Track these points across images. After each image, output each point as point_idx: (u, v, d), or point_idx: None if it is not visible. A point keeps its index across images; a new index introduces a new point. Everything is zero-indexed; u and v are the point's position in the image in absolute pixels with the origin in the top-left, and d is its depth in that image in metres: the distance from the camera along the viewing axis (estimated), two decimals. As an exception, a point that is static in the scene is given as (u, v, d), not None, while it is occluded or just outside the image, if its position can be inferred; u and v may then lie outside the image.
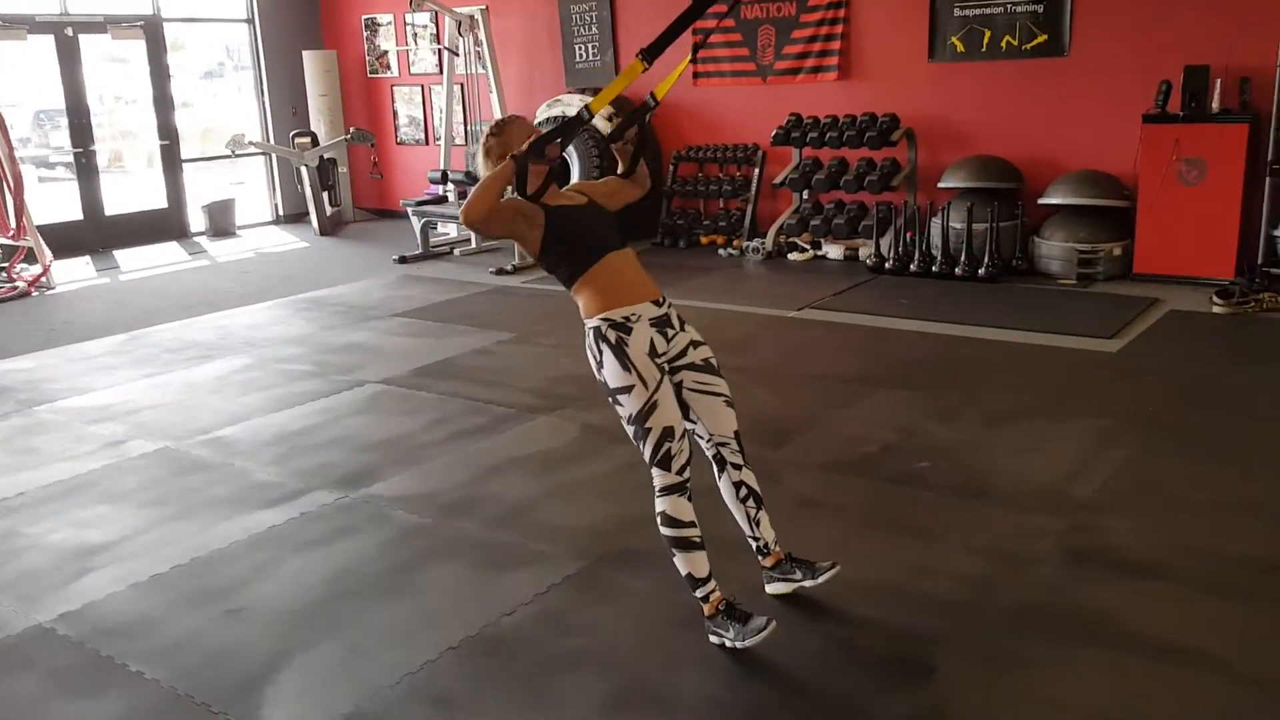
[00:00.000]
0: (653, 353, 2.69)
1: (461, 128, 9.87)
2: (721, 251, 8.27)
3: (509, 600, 3.01)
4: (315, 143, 10.27)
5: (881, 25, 7.88)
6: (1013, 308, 6.26)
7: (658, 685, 2.62)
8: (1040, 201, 7.11)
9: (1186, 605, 2.88)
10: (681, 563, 2.72)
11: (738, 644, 2.67)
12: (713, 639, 2.74)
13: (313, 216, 10.21)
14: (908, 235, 7.39)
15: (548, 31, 9.55)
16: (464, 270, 8.12)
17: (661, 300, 2.79)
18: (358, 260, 8.78)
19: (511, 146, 2.73)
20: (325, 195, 10.25)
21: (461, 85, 9.62)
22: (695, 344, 2.81)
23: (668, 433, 2.66)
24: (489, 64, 9.05)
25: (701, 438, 2.84)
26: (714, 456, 2.84)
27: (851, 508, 3.61)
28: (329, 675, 2.70)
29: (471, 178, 9.09)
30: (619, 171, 2.97)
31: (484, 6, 8.96)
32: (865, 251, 7.57)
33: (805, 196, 8.18)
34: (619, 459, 4.01)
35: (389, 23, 10.67)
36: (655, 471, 2.68)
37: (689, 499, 2.69)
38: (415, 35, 10.51)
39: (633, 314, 2.70)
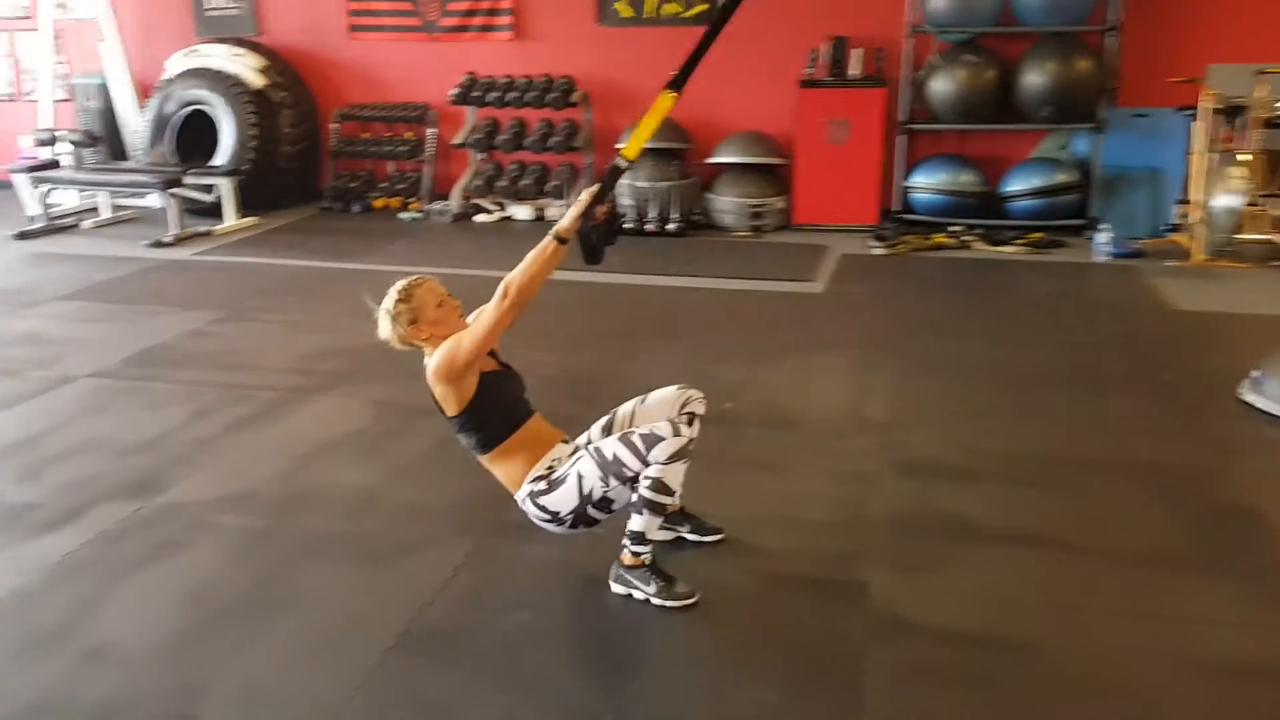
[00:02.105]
0: None
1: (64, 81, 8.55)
2: (403, 215, 7.95)
3: (419, 590, 2.78)
4: None
5: (552, -16, 7.94)
6: (710, 257, 6.69)
7: (623, 644, 2.60)
8: (709, 160, 7.63)
9: (1014, 498, 3.32)
10: (644, 523, 2.65)
11: (657, 600, 2.68)
12: (619, 589, 2.73)
13: None
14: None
15: (169, -27, 8.51)
16: (108, 244, 7.09)
17: (568, 439, 2.89)
18: (-45, 240, 7.34)
19: (423, 311, 2.68)
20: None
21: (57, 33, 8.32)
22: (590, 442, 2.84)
23: (625, 436, 2.63)
24: (104, 7, 7.89)
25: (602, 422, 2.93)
26: (685, 421, 2.82)
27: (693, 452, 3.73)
28: (270, 703, 2.33)
29: (91, 136, 7.94)
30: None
31: (89, -58, 7.81)
32: (553, 212, 7.67)
33: (484, 157, 8.09)
34: (437, 432, 3.75)
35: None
36: (654, 453, 2.56)
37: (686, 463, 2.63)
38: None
39: (551, 459, 2.78)
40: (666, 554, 2.88)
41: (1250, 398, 3.98)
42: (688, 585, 2.71)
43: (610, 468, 2.62)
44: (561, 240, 2.60)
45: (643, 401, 2.89)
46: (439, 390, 2.70)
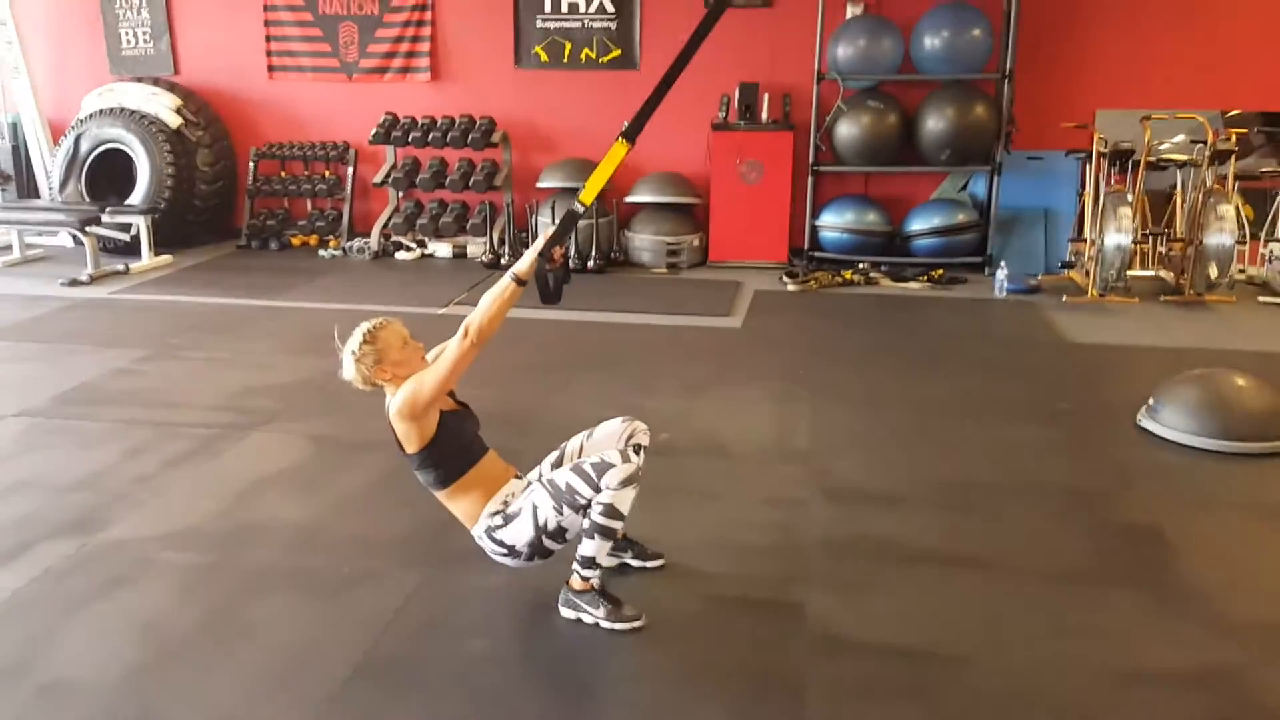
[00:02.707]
0: None
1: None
2: (323, 252, 7.95)
3: (372, 620, 2.84)
4: None
5: (468, 31, 8.09)
6: (630, 293, 6.85)
7: (575, 667, 2.68)
8: (627, 199, 7.83)
9: (936, 521, 3.52)
10: (594, 548, 2.76)
11: (605, 624, 2.79)
12: (568, 613, 2.84)
13: None
14: (516, 231, 7.73)
15: (83, 12, 8.41)
16: (20, 283, 6.94)
17: (519, 476, 3.00)
18: None
19: (388, 352, 2.79)
20: None
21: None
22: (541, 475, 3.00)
23: (576, 466, 2.74)
24: (15, 45, 7.75)
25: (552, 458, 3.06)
26: (631, 449, 2.95)
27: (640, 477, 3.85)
28: (232, 732, 2.38)
29: (1, 175, 7.77)
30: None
31: (-3, -22, 7.69)
32: (474, 249, 7.76)
33: (404, 195, 8.14)
34: (377, 467, 3.87)
35: None
36: (606, 479, 2.68)
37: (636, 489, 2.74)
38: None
39: (505, 495, 2.89)
40: (611, 579, 2.99)
41: (1148, 424, 4.29)
42: (635, 609, 2.82)
43: (563, 497, 2.73)
44: (520, 282, 2.71)
45: (589, 435, 3.01)
46: (400, 428, 2.78)
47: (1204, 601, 2.97)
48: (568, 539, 2.81)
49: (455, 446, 2.85)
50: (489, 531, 2.84)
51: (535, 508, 2.76)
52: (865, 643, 2.76)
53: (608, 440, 2.96)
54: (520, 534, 2.79)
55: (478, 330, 2.68)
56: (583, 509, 2.73)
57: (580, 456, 2.94)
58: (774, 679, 2.61)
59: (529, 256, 2.77)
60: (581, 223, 7.48)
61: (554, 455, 3.04)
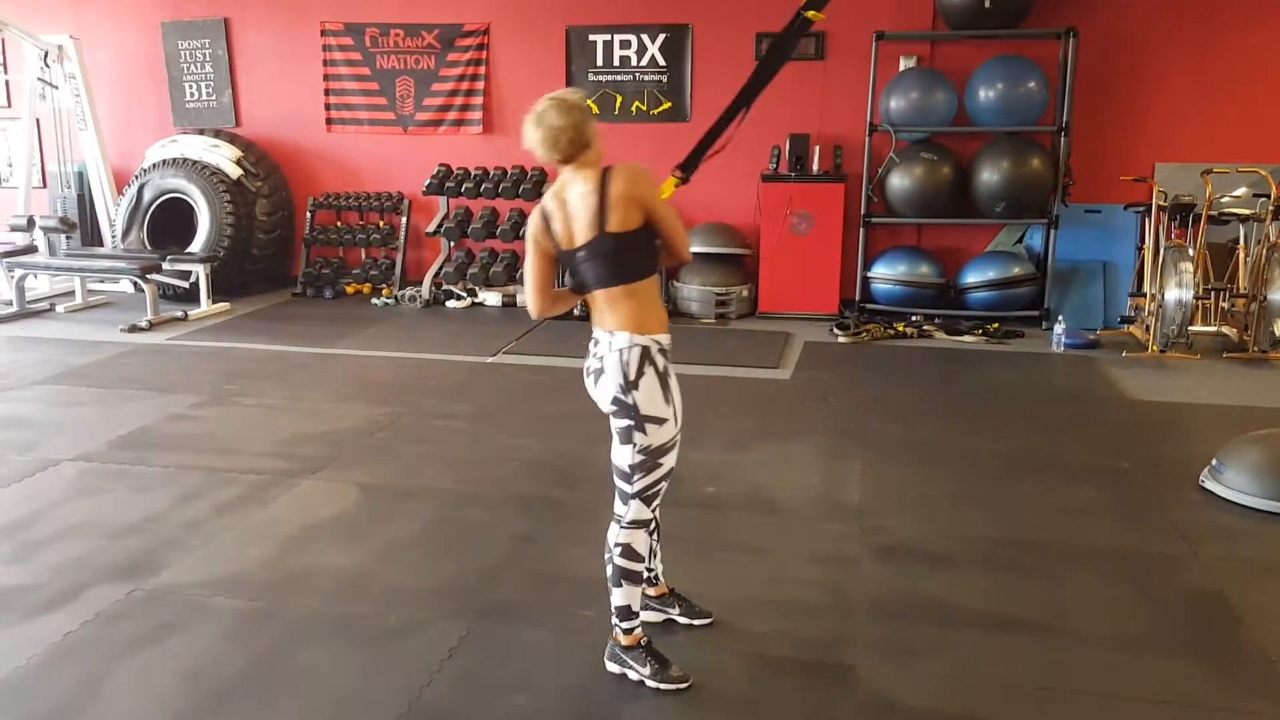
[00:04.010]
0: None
1: (39, 169, 8.62)
2: (376, 301, 8.06)
3: (416, 671, 2.82)
4: None
5: (521, 84, 8.22)
6: (678, 344, 6.74)
7: (621, 725, 2.64)
8: (678, 249, 7.84)
9: (990, 583, 3.43)
10: (624, 595, 2.75)
11: (651, 683, 2.75)
12: (614, 668, 2.80)
13: None
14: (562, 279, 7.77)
15: (148, 67, 8.71)
16: (82, 328, 7.10)
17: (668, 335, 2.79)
18: (-76, 323, 7.31)
19: (593, 124, 2.70)
20: None
21: (38, 121, 8.41)
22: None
23: (669, 474, 2.73)
24: (85, 99, 8.02)
25: None
26: None
27: (676, 534, 3.78)
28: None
29: (66, 223, 7.99)
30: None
31: (71, 36, 7.96)
32: (523, 298, 7.80)
33: (455, 245, 8.25)
34: (423, 515, 3.88)
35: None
36: (634, 505, 2.69)
37: (646, 534, 2.75)
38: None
39: (669, 347, 2.74)
40: (657, 636, 2.94)
41: (1211, 485, 4.16)
42: (682, 669, 2.77)
43: (650, 456, 2.67)
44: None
45: None
46: (622, 205, 2.61)
47: (1271, 672, 2.85)
48: (615, 440, 2.73)
49: (649, 247, 2.72)
50: (651, 357, 2.66)
51: (660, 425, 2.66)
52: (916, 708, 2.68)
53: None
54: (645, 401, 2.65)
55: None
56: (629, 471, 2.70)
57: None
58: (823, 744, 2.55)
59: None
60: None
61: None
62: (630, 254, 2.66)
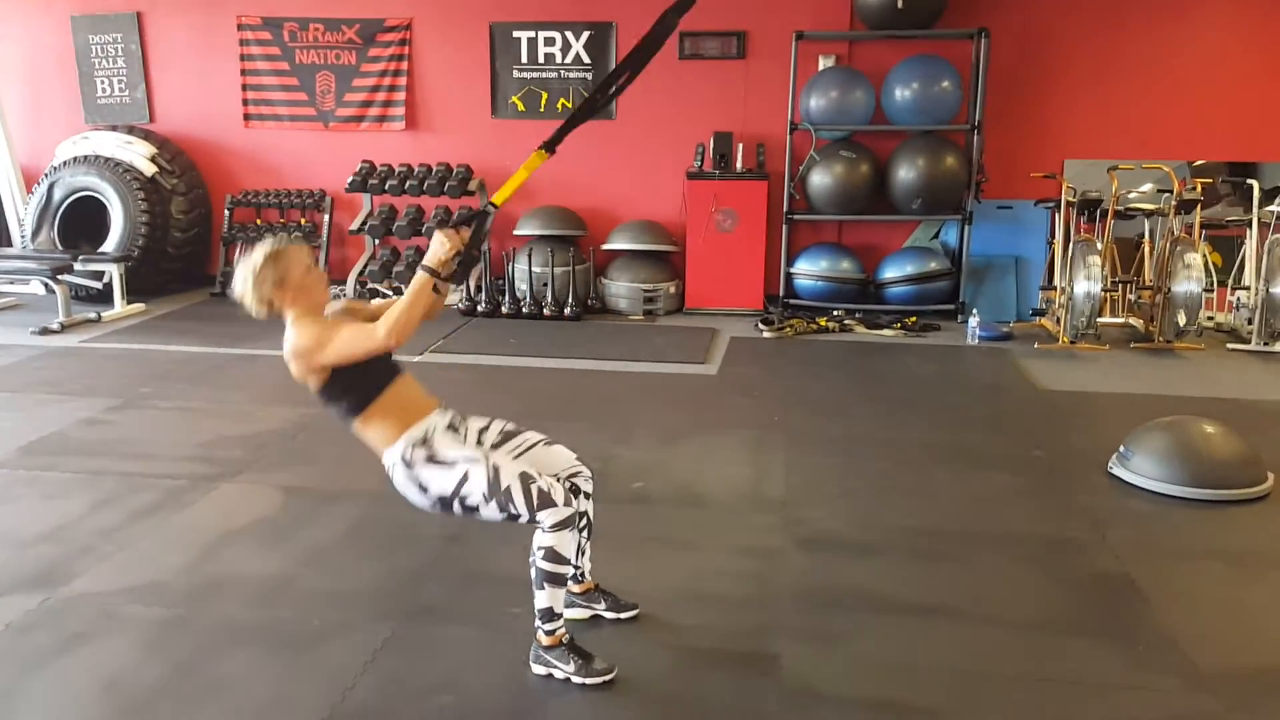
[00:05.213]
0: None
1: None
2: (298, 301, 7.91)
3: (340, 675, 2.79)
4: None
5: (445, 82, 8.16)
6: (607, 341, 6.86)
7: (549, 721, 2.66)
8: (604, 247, 7.87)
9: (909, 570, 3.51)
10: (547, 597, 2.74)
11: (576, 679, 2.75)
12: (539, 669, 2.80)
13: None
14: (493, 278, 7.75)
15: (58, 62, 8.43)
16: (-15, 332, 6.88)
17: (445, 407, 2.88)
18: None
19: (290, 274, 2.67)
20: None
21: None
22: (484, 429, 2.90)
23: (526, 476, 2.68)
24: (-12, 93, 7.76)
25: (503, 426, 2.95)
26: (569, 490, 2.91)
27: (605, 531, 3.77)
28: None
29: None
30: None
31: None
32: (453, 297, 7.75)
33: (380, 243, 8.16)
34: (347, 517, 3.84)
35: None
36: (542, 514, 2.65)
37: (574, 532, 2.73)
38: None
39: (429, 427, 2.77)
40: (583, 631, 2.96)
41: (1119, 471, 4.31)
42: (606, 662, 2.78)
43: (498, 494, 2.65)
44: (437, 276, 2.61)
45: (548, 444, 2.92)
46: (294, 368, 2.70)
47: (1177, 651, 2.97)
48: (477, 518, 2.73)
49: (358, 373, 2.71)
50: (407, 459, 2.72)
51: (466, 479, 2.67)
52: (840, 696, 2.74)
53: (555, 462, 2.89)
54: (440, 484, 2.68)
55: (399, 333, 2.56)
56: (510, 517, 2.67)
57: (527, 452, 2.86)
58: (748, 733, 2.59)
59: (438, 252, 2.64)
60: (558, 269, 7.52)
61: (507, 426, 2.94)
62: (341, 399, 2.74)
